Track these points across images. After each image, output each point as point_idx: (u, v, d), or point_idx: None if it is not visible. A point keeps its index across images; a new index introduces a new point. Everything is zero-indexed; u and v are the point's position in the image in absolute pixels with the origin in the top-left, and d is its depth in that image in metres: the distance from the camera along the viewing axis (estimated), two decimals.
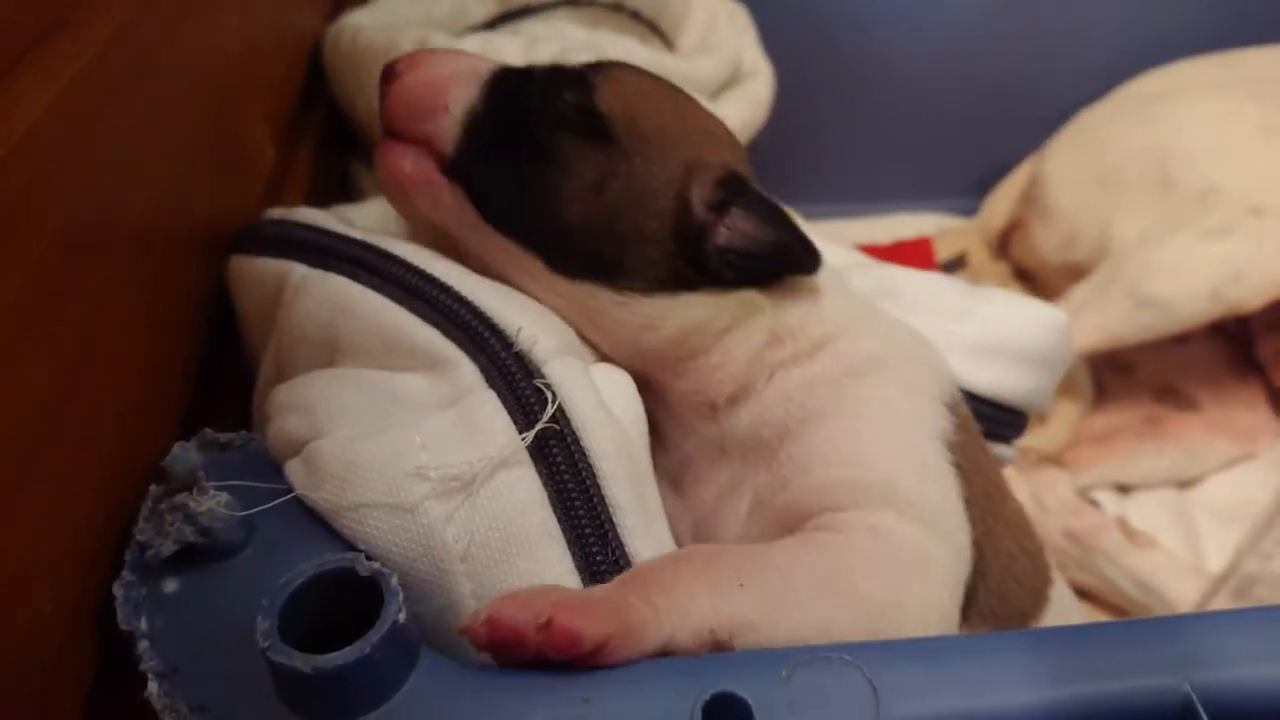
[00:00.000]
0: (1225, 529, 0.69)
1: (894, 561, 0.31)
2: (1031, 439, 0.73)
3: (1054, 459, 0.71)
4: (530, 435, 0.28)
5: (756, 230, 0.35)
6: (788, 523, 0.33)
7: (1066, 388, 0.78)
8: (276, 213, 0.37)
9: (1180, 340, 0.79)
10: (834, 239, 0.89)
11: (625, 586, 0.28)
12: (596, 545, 0.28)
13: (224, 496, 0.29)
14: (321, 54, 0.63)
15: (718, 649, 0.28)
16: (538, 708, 0.25)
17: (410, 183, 0.36)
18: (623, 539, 0.29)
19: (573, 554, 0.28)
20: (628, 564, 0.29)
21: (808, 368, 0.36)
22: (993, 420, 0.44)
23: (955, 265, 0.92)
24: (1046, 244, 0.85)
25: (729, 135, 0.41)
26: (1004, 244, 0.91)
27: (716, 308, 0.36)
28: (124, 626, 0.27)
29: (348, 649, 0.24)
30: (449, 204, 0.35)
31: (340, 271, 0.32)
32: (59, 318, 0.27)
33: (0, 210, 0.24)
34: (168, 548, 0.28)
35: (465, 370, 0.30)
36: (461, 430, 0.28)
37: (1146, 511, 0.72)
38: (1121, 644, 0.27)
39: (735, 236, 0.35)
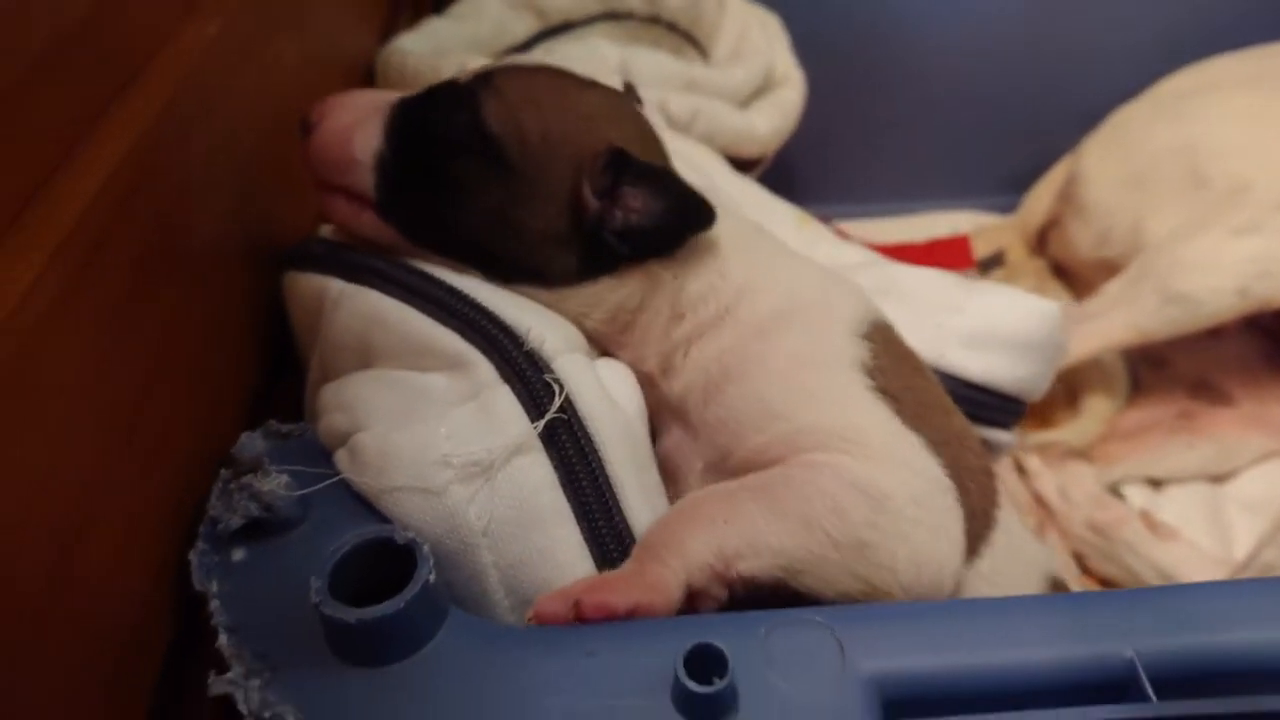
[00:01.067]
0: (1257, 523, 0.70)
1: (841, 491, 0.33)
2: (1061, 433, 0.75)
3: (1082, 453, 0.73)
4: (541, 424, 0.32)
5: (646, 203, 0.37)
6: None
7: (1101, 383, 0.80)
8: (324, 231, 0.42)
9: (1215, 335, 0.79)
10: (872, 237, 0.92)
11: (639, 556, 0.32)
12: (602, 520, 0.32)
13: (284, 478, 0.34)
14: (374, 75, 0.68)
15: (724, 580, 0.32)
16: (547, 658, 0.29)
17: (351, 225, 0.39)
18: (625, 514, 0.33)
19: (581, 528, 0.32)
20: (630, 537, 0.33)
21: (716, 339, 0.38)
22: (988, 407, 0.46)
23: (993, 263, 0.93)
24: (1082, 241, 0.86)
25: (611, 107, 0.41)
26: (1042, 241, 0.92)
27: (630, 287, 0.38)
28: (198, 588, 0.31)
29: (386, 603, 0.29)
30: (389, 235, 0.39)
31: (372, 285, 0.37)
32: (140, 329, 0.31)
33: (88, 241, 0.28)
34: (236, 521, 0.33)
35: (483, 368, 0.34)
36: (480, 421, 0.32)
37: (1178, 505, 0.73)
38: (1073, 611, 0.30)
39: (629, 215, 0.37)
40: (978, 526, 0.38)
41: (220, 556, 0.32)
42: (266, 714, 0.28)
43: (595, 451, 0.33)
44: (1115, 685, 0.29)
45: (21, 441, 0.25)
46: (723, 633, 0.29)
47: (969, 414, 0.44)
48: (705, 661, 0.28)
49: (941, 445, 0.36)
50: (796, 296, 0.39)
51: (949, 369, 0.45)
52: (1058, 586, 0.40)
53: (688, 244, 0.38)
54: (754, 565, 0.32)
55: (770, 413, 0.36)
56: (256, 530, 0.33)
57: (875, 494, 0.33)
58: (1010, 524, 0.40)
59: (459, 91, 0.39)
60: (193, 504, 0.34)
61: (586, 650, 0.29)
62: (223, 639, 0.30)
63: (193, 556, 0.32)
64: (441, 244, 0.38)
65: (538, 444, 0.32)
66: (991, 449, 0.48)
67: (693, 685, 0.27)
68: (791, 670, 0.29)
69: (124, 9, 0.34)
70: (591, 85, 0.41)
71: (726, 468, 0.36)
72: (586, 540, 0.32)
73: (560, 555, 0.32)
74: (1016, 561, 0.39)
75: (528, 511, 0.31)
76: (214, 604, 0.31)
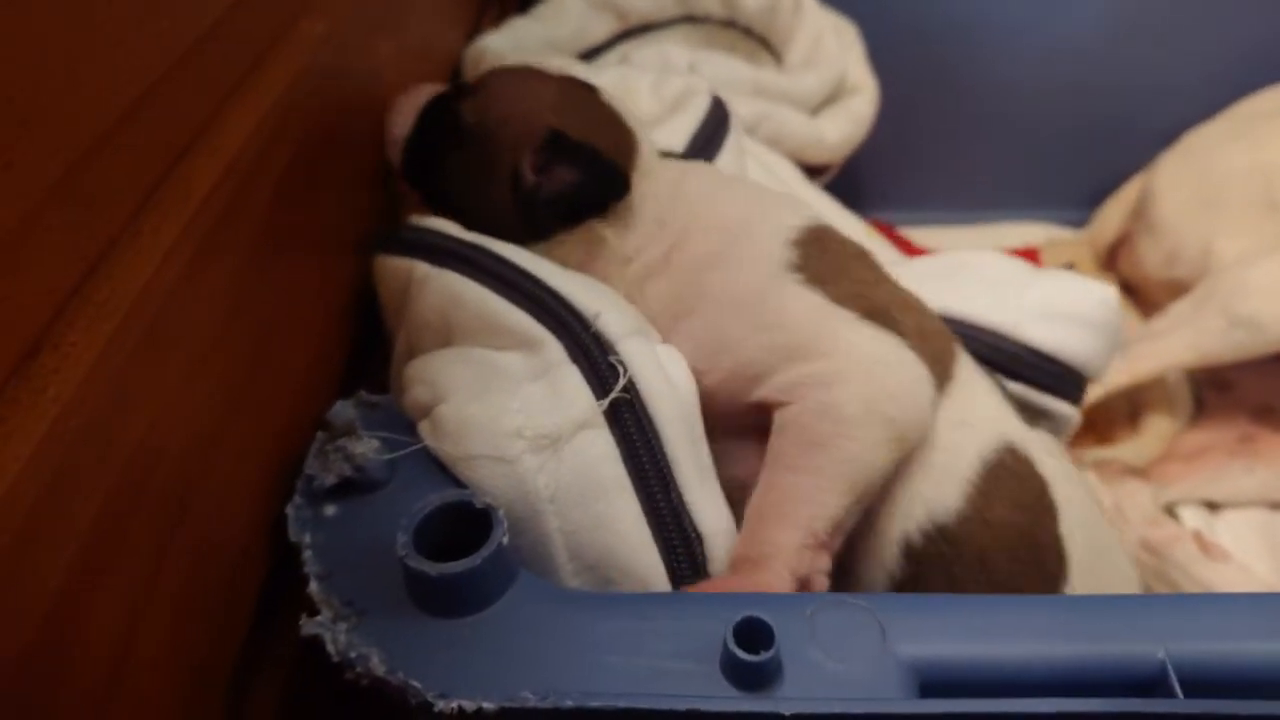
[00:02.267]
0: None
1: (831, 425, 0.37)
2: (1120, 450, 0.75)
3: (1140, 472, 0.73)
4: (605, 403, 0.34)
5: (570, 176, 0.43)
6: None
7: (1163, 403, 0.80)
8: (415, 219, 0.45)
9: None
10: (943, 246, 0.93)
11: (740, 569, 0.36)
12: (659, 492, 0.34)
13: (375, 442, 0.37)
14: (462, 71, 0.71)
15: (824, 549, 0.37)
16: (606, 619, 0.32)
17: (401, 190, 0.49)
18: (680, 488, 0.35)
19: (640, 499, 0.34)
20: (685, 509, 0.35)
21: (666, 279, 0.43)
22: (1057, 376, 0.49)
23: None
24: (1151, 259, 0.86)
25: (563, 98, 0.47)
26: (1112, 258, 0.92)
27: (570, 245, 0.43)
28: (293, 539, 0.35)
29: (465, 560, 0.31)
30: (416, 200, 0.47)
31: (453, 269, 0.40)
32: (256, 299, 0.35)
33: (214, 218, 0.31)
34: (330, 480, 0.36)
35: (552, 348, 0.36)
36: (550, 398, 0.35)
37: (1235, 529, 0.73)
38: (1106, 612, 0.32)
39: (555, 185, 0.43)
40: (938, 371, 0.41)
41: (314, 511, 0.36)
42: (352, 654, 0.31)
43: (655, 430, 0.35)
44: (1145, 683, 0.30)
45: (152, 391, 0.28)
46: (771, 609, 0.31)
47: (1040, 383, 0.48)
48: (753, 633, 0.30)
49: (880, 311, 0.41)
50: (728, 228, 0.43)
51: (1025, 339, 0.48)
52: (1012, 451, 0.42)
53: (629, 204, 0.44)
54: (833, 523, 0.36)
55: (720, 344, 0.40)
56: (348, 489, 0.36)
57: (843, 403, 0.38)
58: (968, 380, 0.43)
59: (459, 88, 0.48)
60: (293, 462, 0.37)
61: (642, 615, 0.32)
62: (314, 586, 0.33)
63: (289, 510, 0.35)
64: (441, 208, 0.46)
65: (602, 421, 0.35)
66: (1057, 423, 0.50)
67: (741, 653, 0.29)
68: (834, 647, 0.31)
69: (251, 8, 0.37)
70: (554, 80, 0.48)
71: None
72: (645, 511, 0.34)
73: (619, 524, 0.34)
74: (974, 410, 0.42)
75: (591, 482, 0.34)
76: (306, 554, 0.34)
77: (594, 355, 0.36)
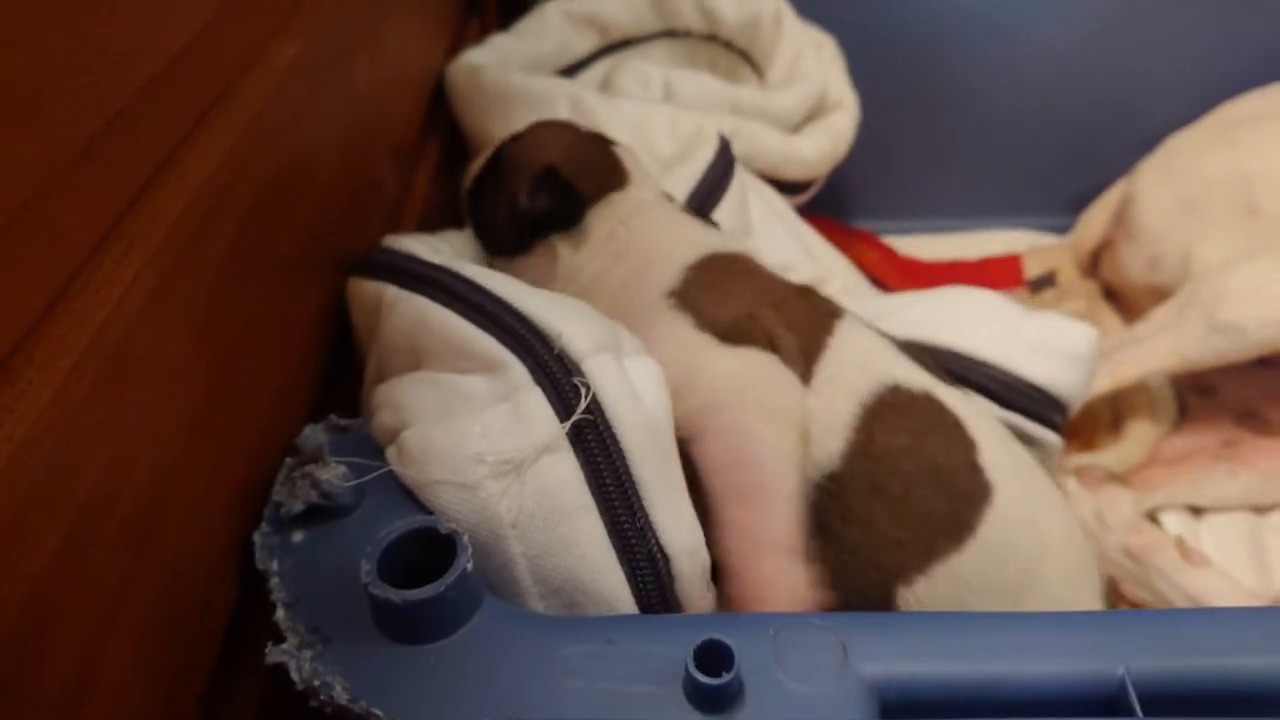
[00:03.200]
0: None
1: (732, 448, 0.40)
2: (1101, 456, 0.75)
3: (1121, 478, 0.73)
4: (568, 425, 0.34)
5: (542, 201, 0.50)
6: None
7: (1146, 408, 0.80)
8: (388, 241, 0.45)
9: (1265, 364, 0.79)
10: (926, 253, 0.93)
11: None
12: (624, 514, 0.35)
13: (342, 469, 0.37)
14: (444, 85, 0.71)
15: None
16: (569, 643, 0.32)
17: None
18: (647, 509, 0.35)
19: (604, 521, 0.35)
20: (650, 529, 0.35)
21: (599, 298, 0.47)
22: (1046, 405, 0.52)
23: (1044, 283, 0.94)
24: (1132, 265, 0.86)
25: (570, 140, 0.56)
26: (1094, 263, 0.93)
27: (537, 258, 0.51)
28: (260, 566, 0.35)
29: (428, 587, 0.32)
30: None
31: (421, 292, 0.40)
32: (221, 327, 0.35)
33: (180, 247, 0.31)
34: (297, 506, 0.36)
35: (516, 371, 0.36)
36: (513, 421, 0.35)
37: (1219, 534, 0.73)
38: (1066, 630, 0.32)
39: (533, 209, 0.51)
40: (808, 351, 0.45)
41: (281, 537, 0.36)
42: (316, 683, 0.31)
43: (619, 450, 0.35)
44: (1106, 702, 0.31)
45: (113, 423, 0.28)
46: (734, 631, 0.31)
47: (1031, 412, 0.52)
48: (714, 656, 0.30)
49: (736, 327, 0.44)
50: (648, 253, 0.49)
51: (1018, 371, 0.52)
52: (896, 389, 0.45)
53: (584, 227, 0.51)
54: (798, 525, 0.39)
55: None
56: (315, 515, 0.36)
57: (729, 431, 0.40)
58: (843, 341, 0.46)
59: (513, 136, 0.57)
60: (260, 488, 0.37)
61: (607, 639, 0.32)
62: (280, 613, 0.33)
63: (257, 537, 0.35)
64: (475, 228, 0.56)
65: (565, 443, 0.35)
66: (1044, 450, 0.53)
67: (701, 677, 0.29)
68: (796, 668, 0.31)
69: (223, 31, 0.37)
70: (573, 131, 0.57)
71: None
72: (609, 532, 0.35)
73: (583, 547, 0.34)
74: (845, 365, 0.45)
75: (553, 506, 0.34)
76: (274, 581, 0.34)
77: (557, 377, 0.36)
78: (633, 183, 0.53)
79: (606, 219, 0.51)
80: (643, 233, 0.51)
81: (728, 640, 0.30)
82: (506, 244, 0.53)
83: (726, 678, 0.30)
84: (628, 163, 0.55)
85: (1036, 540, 0.43)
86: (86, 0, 0.28)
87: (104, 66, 0.29)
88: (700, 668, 0.30)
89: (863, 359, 0.46)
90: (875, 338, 0.48)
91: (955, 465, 0.43)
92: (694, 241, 0.50)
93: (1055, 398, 0.52)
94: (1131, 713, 0.30)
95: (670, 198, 0.56)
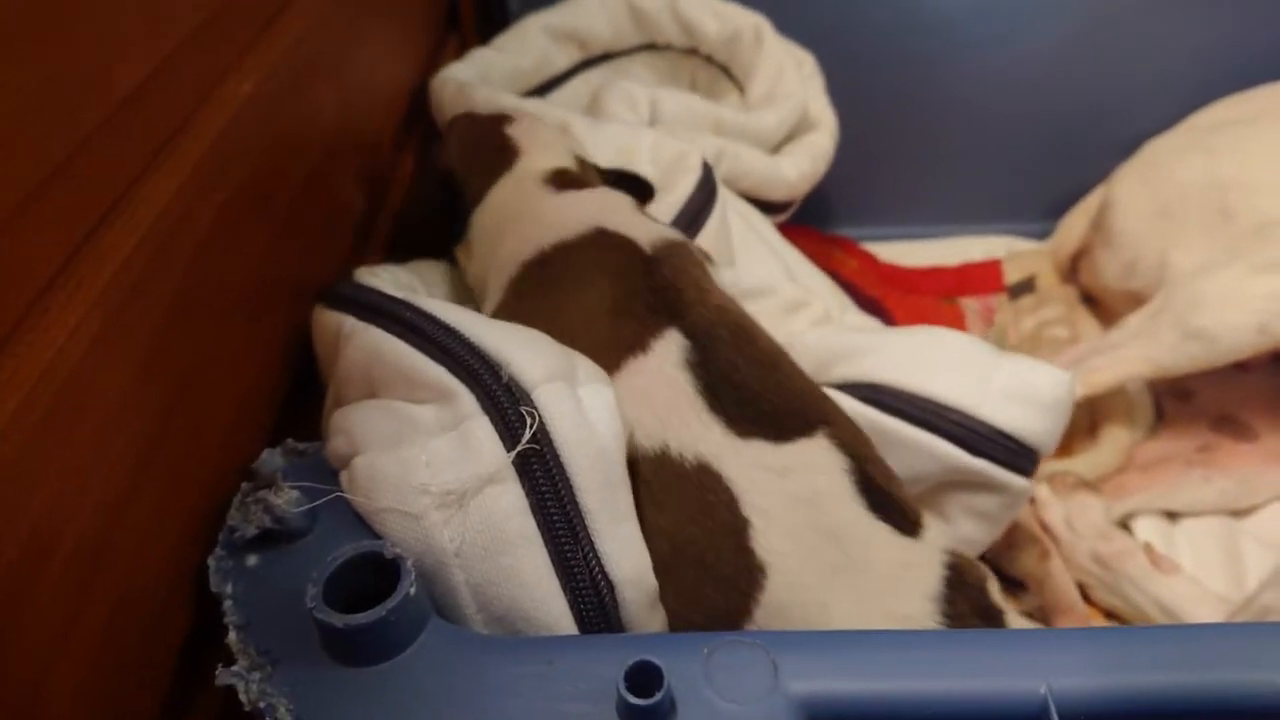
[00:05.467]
0: (1273, 560, 0.70)
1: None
2: (1074, 463, 0.76)
3: (1092, 485, 0.73)
4: (513, 455, 0.35)
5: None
6: None
7: (1123, 414, 0.80)
8: (357, 273, 0.48)
9: (1241, 368, 0.79)
10: (905, 260, 0.94)
11: None
12: (568, 544, 0.35)
13: (295, 494, 0.38)
14: (428, 99, 0.72)
15: None
16: (510, 664, 0.33)
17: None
18: (592, 538, 0.36)
19: (548, 551, 0.35)
20: (596, 558, 0.36)
21: (485, 305, 0.50)
22: (1016, 453, 0.51)
23: (1023, 288, 0.94)
24: (1109, 270, 0.86)
25: (455, 137, 0.59)
26: (1073, 268, 0.93)
27: (459, 262, 0.54)
28: (214, 590, 0.36)
29: (370, 612, 0.33)
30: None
31: (377, 324, 0.41)
32: (171, 360, 0.36)
33: (127, 287, 0.33)
34: (251, 531, 0.37)
35: (465, 400, 0.37)
36: (458, 450, 0.36)
37: (1194, 539, 0.73)
38: (990, 648, 0.33)
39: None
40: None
41: (235, 562, 0.37)
42: (262, 704, 0.32)
43: (565, 479, 0.36)
44: (1029, 719, 0.31)
45: (58, 461, 0.29)
46: (668, 651, 0.32)
47: (1000, 460, 0.50)
48: (647, 676, 0.31)
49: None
50: (496, 253, 0.51)
51: (989, 419, 0.51)
52: (663, 456, 0.42)
53: (471, 234, 0.54)
54: None
55: None
56: (269, 539, 0.37)
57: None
58: (630, 379, 0.44)
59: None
60: (218, 512, 0.38)
61: (546, 660, 0.33)
62: (232, 636, 0.34)
63: (211, 561, 0.36)
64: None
65: (511, 473, 0.36)
66: (1012, 495, 0.52)
67: (631, 698, 0.30)
68: (727, 687, 0.32)
69: (175, 71, 0.38)
70: (468, 123, 0.60)
71: None
72: (553, 561, 0.35)
73: (525, 576, 0.35)
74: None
75: (496, 536, 0.35)
76: (227, 604, 0.35)
77: (504, 406, 0.37)
78: (522, 156, 0.55)
79: (482, 219, 0.53)
80: (499, 239, 0.52)
81: (658, 660, 0.31)
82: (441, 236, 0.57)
83: (656, 698, 0.30)
84: (522, 139, 0.56)
85: (824, 614, 0.40)
86: (32, 46, 0.29)
87: (52, 111, 0.30)
88: (631, 688, 0.31)
89: (651, 405, 0.43)
90: (681, 386, 0.43)
91: (720, 552, 0.40)
92: (525, 237, 0.50)
93: (1027, 445, 0.51)
94: None
95: (571, 166, 0.56)
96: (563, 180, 0.54)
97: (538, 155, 0.55)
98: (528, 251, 0.49)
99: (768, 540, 0.40)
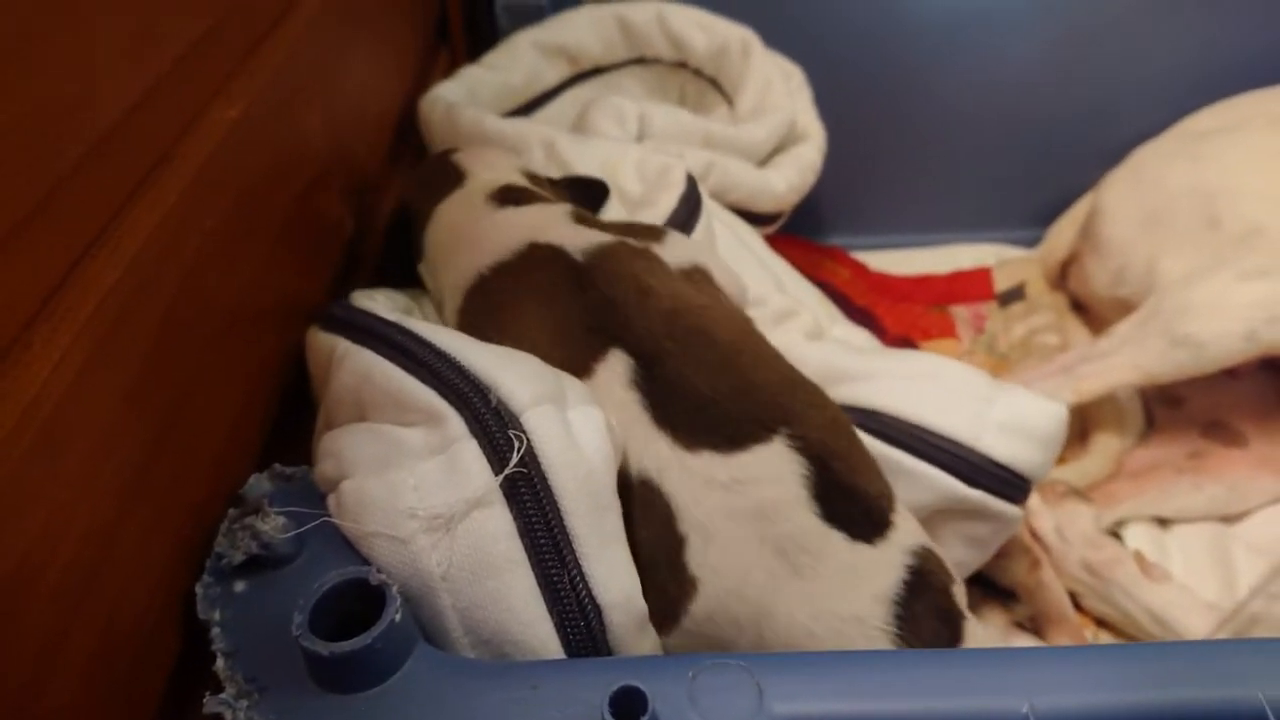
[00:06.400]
0: (1263, 566, 0.70)
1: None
2: (1063, 471, 0.76)
3: (1081, 493, 0.74)
4: (500, 478, 0.35)
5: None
6: None
7: (1113, 421, 0.81)
8: (355, 295, 0.50)
9: (1231, 375, 0.80)
10: (896, 268, 0.94)
11: None
12: (555, 568, 0.36)
13: (281, 520, 0.38)
14: (417, 119, 0.73)
15: None
16: (495, 689, 0.33)
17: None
18: (580, 561, 0.36)
19: (535, 574, 0.36)
20: (583, 581, 0.36)
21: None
22: (1008, 484, 0.52)
23: (1013, 296, 0.95)
24: (1098, 277, 0.87)
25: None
26: (1063, 276, 0.93)
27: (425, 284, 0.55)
28: (202, 617, 0.36)
29: (355, 639, 0.33)
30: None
31: (368, 346, 0.41)
32: (158, 388, 0.36)
33: (112, 318, 0.33)
34: (238, 557, 0.37)
35: (453, 423, 0.37)
36: (446, 474, 0.36)
37: (1186, 546, 0.74)
38: (974, 668, 0.33)
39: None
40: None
41: (223, 588, 0.37)
42: None
43: (553, 502, 0.36)
44: None
45: (47, 488, 0.30)
46: (653, 674, 0.32)
47: (994, 490, 0.51)
48: (632, 700, 0.31)
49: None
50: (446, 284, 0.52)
51: (986, 451, 0.51)
52: None
53: (428, 252, 0.55)
54: None
55: None
56: (257, 565, 0.38)
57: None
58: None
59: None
60: (206, 538, 0.39)
61: (531, 685, 0.33)
62: (220, 663, 0.34)
63: (199, 588, 0.37)
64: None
65: (497, 497, 0.36)
66: (1003, 522, 0.53)
67: None
68: (712, 710, 0.32)
69: (160, 100, 0.38)
70: (434, 160, 0.61)
71: None
72: (540, 585, 0.36)
73: (511, 600, 0.35)
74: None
75: (483, 560, 0.35)
76: (214, 631, 0.35)
77: (492, 430, 0.37)
78: (469, 178, 0.55)
79: (434, 237, 0.54)
80: (452, 254, 0.52)
81: (643, 685, 0.31)
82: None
83: None
84: (466, 162, 0.57)
85: (759, 622, 0.40)
86: (13, 78, 0.29)
87: (35, 143, 0.31)
88: (616, 713, 0.31)
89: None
90: (629, 406, 0.43)
91: (656, 563, 0.41)
92: (482, 251, 0.50)
93: (1021, 476, 0.52)
94: None
95: (518, 181, 0.56)
96: (506, 196, 0.53)
97: (484, 174, 0.56)
98: (469, 278, 0.49)
99: (702, 556, 0.41)
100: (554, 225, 0.50)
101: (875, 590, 0.40)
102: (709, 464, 0.42)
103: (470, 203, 0.53)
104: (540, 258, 0.48)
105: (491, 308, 0.48)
